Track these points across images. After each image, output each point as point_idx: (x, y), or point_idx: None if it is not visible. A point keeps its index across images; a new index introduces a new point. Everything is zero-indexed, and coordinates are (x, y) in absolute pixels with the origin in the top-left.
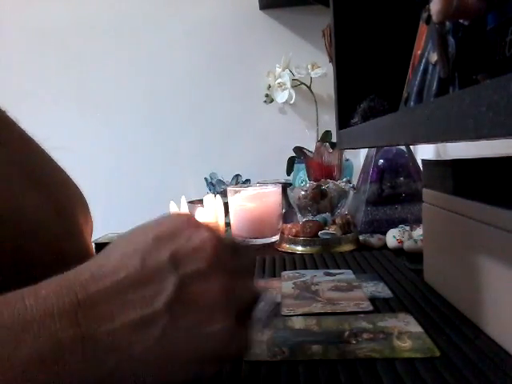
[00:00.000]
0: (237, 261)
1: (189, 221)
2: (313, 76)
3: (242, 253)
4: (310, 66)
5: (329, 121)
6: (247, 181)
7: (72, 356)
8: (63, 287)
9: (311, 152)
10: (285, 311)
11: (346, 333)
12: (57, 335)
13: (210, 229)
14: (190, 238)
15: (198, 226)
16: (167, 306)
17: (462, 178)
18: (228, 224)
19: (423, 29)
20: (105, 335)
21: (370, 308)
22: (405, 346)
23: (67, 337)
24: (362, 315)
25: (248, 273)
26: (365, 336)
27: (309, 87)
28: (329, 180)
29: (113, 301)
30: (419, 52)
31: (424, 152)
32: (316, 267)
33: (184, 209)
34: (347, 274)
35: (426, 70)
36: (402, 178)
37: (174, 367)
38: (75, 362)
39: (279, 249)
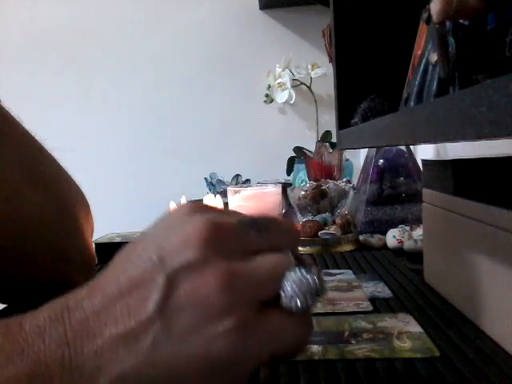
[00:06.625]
0: (257, 239)
1: (185, 210)
2: (313, 76)
3: (271, 228)
4: (310, 66)
5: (329, 121)
6: (247, 181)
7: (59, 379)
8: (57, 306)
9: (311, 152)
10: None
11: (346, 333)
12: (44, 356)
13: (206, 212)
14: (179, 228)
15: (193, 213)
16: (156, 311)
17: (462, 177)
18: None
19: (423, 29)
20: (91, 354)
21: (370, 308)
22: (404, 346)
23: (55, 358)
24: (361, 315)
25: (274, 248)
26: (365, 336)
27: (309, 87)
28: (329, 180)
29: (99, 316)
30: (419, 52)
31: (424, 152)
32: None
33: None
34: (347, 274)
35: (426, 70)
36: (402, 178)
37: None
38: None
39: None
